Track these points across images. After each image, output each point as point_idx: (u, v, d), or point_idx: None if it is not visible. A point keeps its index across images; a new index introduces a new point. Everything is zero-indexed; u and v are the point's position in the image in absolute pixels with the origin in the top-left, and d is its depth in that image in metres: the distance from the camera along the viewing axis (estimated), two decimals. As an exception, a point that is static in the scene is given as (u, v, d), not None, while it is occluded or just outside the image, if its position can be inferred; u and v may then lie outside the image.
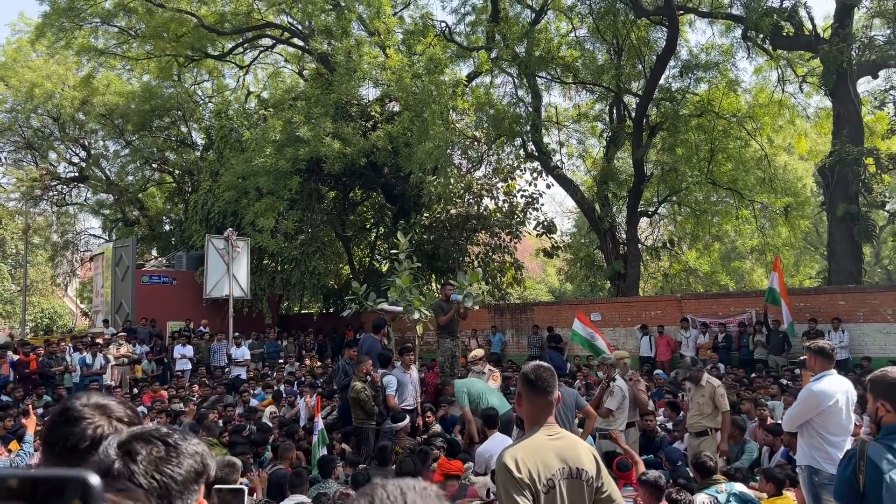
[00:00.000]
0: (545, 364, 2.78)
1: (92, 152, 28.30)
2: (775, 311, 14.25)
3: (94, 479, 0.61)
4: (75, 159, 29.03)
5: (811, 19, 17.62)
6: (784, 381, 11.03)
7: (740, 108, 20.72)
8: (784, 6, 17.31)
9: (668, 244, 24.12)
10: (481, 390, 8.06)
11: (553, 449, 2.58)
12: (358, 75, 18.47)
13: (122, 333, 16.60)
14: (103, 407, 1.59)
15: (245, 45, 24.53)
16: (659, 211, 23.96)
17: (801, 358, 5.20)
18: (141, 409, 10.66)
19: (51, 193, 28.49)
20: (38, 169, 27.97)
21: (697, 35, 53.03)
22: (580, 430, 6.75)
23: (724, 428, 7.10)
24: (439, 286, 16.43)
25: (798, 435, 4.84)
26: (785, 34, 17.44)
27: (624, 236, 21.02)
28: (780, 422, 7.19)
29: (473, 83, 21.67)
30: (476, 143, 21.59)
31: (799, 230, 22.68)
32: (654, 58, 19.58)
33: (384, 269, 22.97)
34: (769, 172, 20.51)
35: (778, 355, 14.05)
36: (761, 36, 17.84)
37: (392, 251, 13.45)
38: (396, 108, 20.06)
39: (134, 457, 1.22)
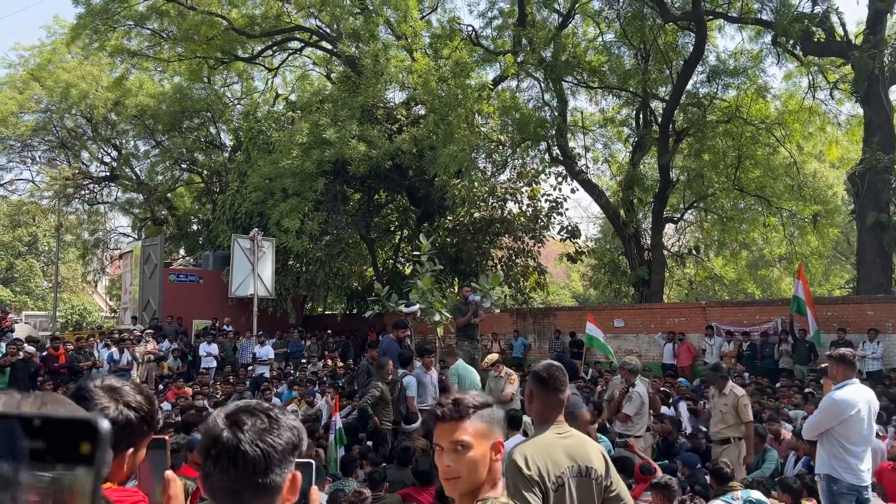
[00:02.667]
0: (557, 363, 2.80)
1: (123, 152, 28.85)
2: (801, 321, 14.05)
3: (104, 424, 0.65)
4: (107, 159, 29.63)
5: (843, 25, 17.36)
6: (809, 391, 10.87)
7: (769, 114, 20.47)
8: (815, 12, 17.08)
9: (693, 251, 23.89)
10: (475, 383, 8.27)
11: (562, 447, 2.60)
12: (384, 78, 18.60)
13: (150, 331, 16.89)
14: (115, 390, 1.62)
15: (274, 48, 24.84)
16: (685, 217, 23.75)
17: (823, 366, 5.14)
18: (165, 405, 10.84)
19: (83, 192, 29.11)
20: (70, 168, 28.60)
21: (726, 40, 52.49)
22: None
23: (748, 438, 7.00)
24: (460, 288, 16.47)
25: (818, 443, 4.79)
26: (816, 40, 17.19)
27: (649, 242, 20.86)
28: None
29: (499, 87, 21.70)
30: (501, 147, 21.61)
31: (828, 239, 22.31)
32: (682, 63, 19.44)
33: (407, 271, 23.07)
34: (798, 180, 20.23)
35: (804, 365, 13.84)
36: (791, 42, 17.62)
37: (415, 253, 13.53)
38: (422, 112, 20.16)
39: (241, 426, 1.31)
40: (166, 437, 1.75)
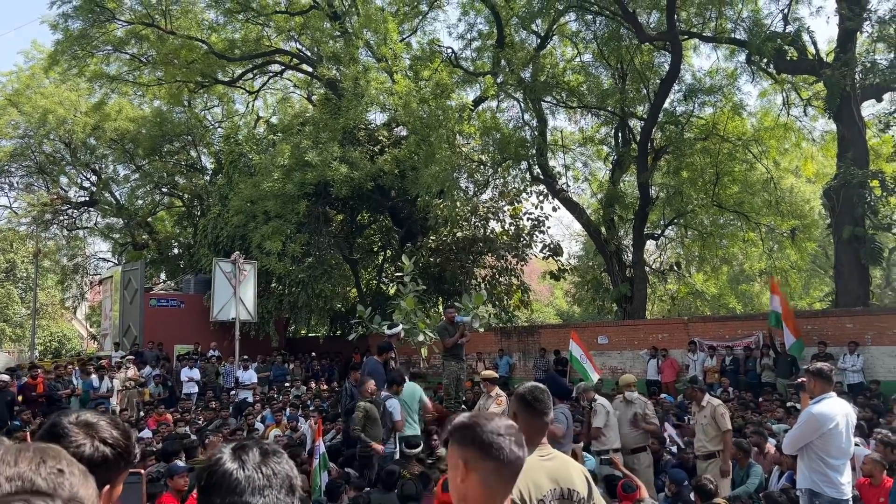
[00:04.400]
0: (541, 385, 2.81)
1: (102, 177, 28.63)
2: (781, 334, 14.18)
3: None
4: (86, 184, 29.38)
5: (814, 43, 17.73)
6: (791, 404, 10.95)
7: (745, 131, 20.80)
8: (787, 31, 17.45)
9: (674, 267, 24.09)
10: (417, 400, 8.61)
11: (545, 469, 2.60)
12: (365, 100, 18.69)
13: (131, 357, 16.67)
14: (91, 426, 1.58)
15: (254, 72, 24.88)
16: (665, 234, 23.97)
17: (800, 380, 5.19)
18: (146, 433, 10.68)
19: (61, 218, 28.81)
20: (49, 193, 28.32)
21: (701, 59, 53.45)
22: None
23: (725, 447, 7.05)
24: (444, 309, 16.45)
25: (798, 458, 4.82)
26: (788, 58, 17.54)
27: (630, 259, 21.01)
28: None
29: (480, 107, 21.88)
30: (482, 167, 21.74)
31: (807, 253, 22.62)
32: (658, 82, 19.74)
33: (391, 291, 23.03)
34: (776, 195, 20.52)
35: (786, 378, 13.94)
36: (765, 60, 17.95)
37: (398, 274, 13.52)
38: (403, 133, 20.27)
39: (246, 452, 1.42)
40: (141, 471, 1.73)
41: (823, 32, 54.42)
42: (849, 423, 4.67)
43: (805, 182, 25.10)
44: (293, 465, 1.47)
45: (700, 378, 7.93)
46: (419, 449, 8.55)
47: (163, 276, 28.46)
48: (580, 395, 7.78)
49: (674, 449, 8.92)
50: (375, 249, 25.73)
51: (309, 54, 22.38)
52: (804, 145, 21.69)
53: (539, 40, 20.99)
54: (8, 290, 36.23)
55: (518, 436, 1.84)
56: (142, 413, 14.02)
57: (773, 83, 20.27)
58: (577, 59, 21.71)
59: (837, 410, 4.66)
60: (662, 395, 13.60)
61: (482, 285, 21.84)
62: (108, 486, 1.55)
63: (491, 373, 9.09)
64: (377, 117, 21.70)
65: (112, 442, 1.59)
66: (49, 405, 13.37)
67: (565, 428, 6.90)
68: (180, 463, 6.79)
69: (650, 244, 24.50)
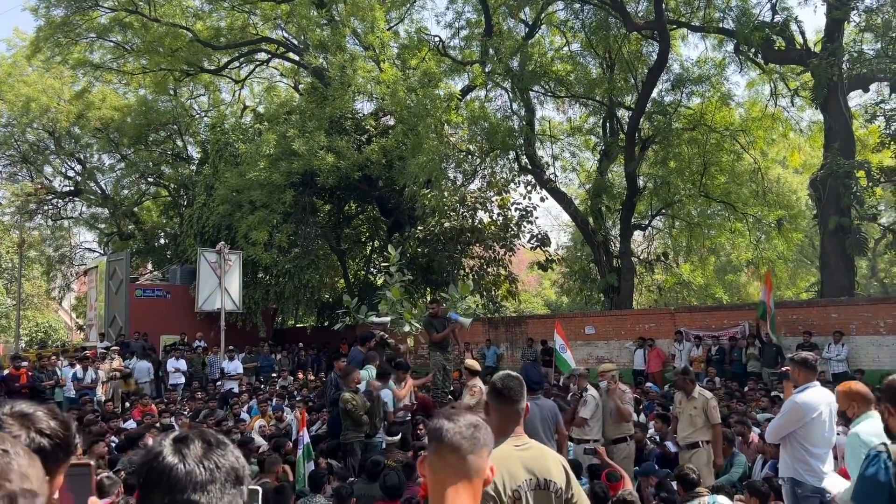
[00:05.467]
0: (513, 374, 2.78)
1: (87, 166, 28.32)
2: (763, 324, 14.26)
3: None
4: (70, 173, 29.06)
5: (802, 33, 17.76)
6: (776, 394, 11.00)
7: (733, 121, 20.84)
8: (775, 20, 17.45)
9: (661, 257, 24.15)
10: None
11: (520, 459, 2.56)
12: (352, 89, 18.55)
13: (115, 347, 16.54)
14: (27, 416, 1.51)
15: (240, 60, 24.64)
16: (653, 224, 24.02)
17: (784, 369, 5.19)
18: (130, 423, 10.60)
19: (46, 207, 28.50)
20: (33, 183, 28.00)
21: (689, 49, 53.50)
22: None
23: (716, 441, 7.04)
24: (428, 303, 16.41)
25: (781, 447, 4.82)
26: (776, 48, 17.56)
27: (618, 249, 21.04)
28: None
29: (467, 97, 21.78)
30: (470, 157, 21.65)
31: (793, 243, 22.72)
32: (646, 71, 19.71)
33: (379, 282, 22.92)
34: (762, 185, 20.60)
35: (771, 368, 14.02)
36: (753, 50, 17.96)
37: (385, 264, 13.45)
38: (391, 122, 20.13)
39: (187, 444, 1.33)
40: (90, 462, 1.66)
41: (811, 22, 54.64)
42: (831, 413, 4.67)
43: (792, 173, 25.21)
44: (239, 455, 1.39)
45: (690, 369, 7.87)
46: (398, 437, 8.53)
47: (149, 266, 28.25)
48: (574, 382, 7.75)
49: (658, 438, 8.93)
50: (363, 240, 25.63)
51: (295, 42, 22.18)
52: (791, 136, 21.76)
53: (527, 29, 20.91)
54: (-8, 281, 35.92)
55: (470, 429, 1.85)
56: (126, 404, 13.94)
57: (760, 73, 20.30)
58: (566, 49, 21.65)
59: (820, 400, 4.65)
60: (648, 385, 13.66)
61: (470, 276, 21.80)
62: (47, 479, 1.49)
63: (473, 363, 9.08)
64: (364, 106, 21.58)
65: (49, 433, 1.51)
66: (33, 396, 13.25)
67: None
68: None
69: (637, 234, 24.56)
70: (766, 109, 20.64)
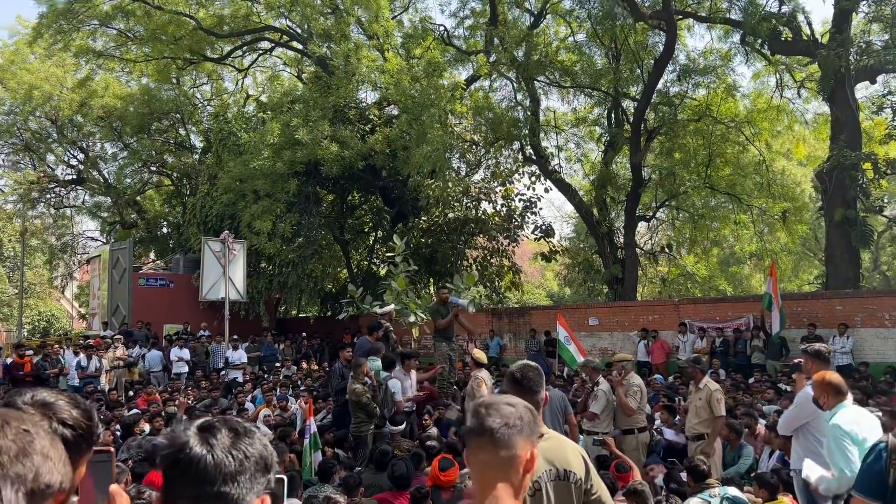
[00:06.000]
0: (532, 363, 2.74)
1: (90, 155, 28.26)
2: (770, 317, 14.22)
3: None
4: (73, 162, 29.00)
5: (809, 24, 17.63)
6: (782, 386, 10.99)
7: (738, 112, 20.73)
8: (782, 11, 17.32)
9: (666, 248, 24.10)
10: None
11: (540, 450, 2.52)
12: (356, 78, 18.46)
13: (119, 336, 16.54)
14: (48, 406, 1.47)
15: (244, 49, 24.52)
16: (657, 215, 23.95)
17: (796, 361, 5.15)
18: (135, 411, 10.60)
19: (48, 196, 28.46)
20: (35, 171, 27.95)
21: (696, 40, 53.18)
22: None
23: (713, 431, 7.03)
24: (437, 290, 16.39)
25: (793, 439, 4.80)
26: (783, 39, 17.44)
27: (622, 240, 20.99)
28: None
29: (472, 87, 21.68)
30: (474, 147, 21.58)
31: (797, 235, 22.66)
32: (653, 62, 19.59)
33: (382, 272, 22.93)
34: (767, 177, 20.51)
35: (776, 360, 14.02)
36: (759, 41, 17.85)
37: (389, 255, 13.42)
38: (395, 112, 20.05)
39: (214, 433, 1.29)
40: (111, 449, 1.62)
41: (819, 13, 54.27)
42: (845, 404, 4.63)
43: (796, 165, 25.12)
44: (267, 443, 1.35)
45: (701, 358, 7.85)
46: (402, 426, 8.52)
47: (151, 255, 28.24)
48: (586, 373, 7.74)
49: (664, 429, 8.91)
50: (366, 230, 25.58)
51: (299, 31, 22.05)
52: (796, 128, 21.67)
53: (532, 19, 20.79)
54: (-6, 269, 35.93)
55: (494, 408, 1.81)
56: (130, 392, 13.95)
57: (766, 64, 20.18)
58: (571, 39, 21.51)
59: (833, 391, 4.62)
60: (655, 377, 13.64)
61: (473, 266, 21.79)
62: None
63: (480, 354, 9.06)
64: (368, 96, 21.49)
65: (72, 423, 1.47)
66: (37, 385, 13.26)
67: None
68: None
69: (642, 226, 24.48)
70: (772, 101, 20.54)
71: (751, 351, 14.63)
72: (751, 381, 12.50)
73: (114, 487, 1.46)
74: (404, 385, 9.02)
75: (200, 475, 1.24)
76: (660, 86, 19.75)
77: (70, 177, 28.82)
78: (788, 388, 10.47)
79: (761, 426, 8.03)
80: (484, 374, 8.48)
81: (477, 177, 22.34)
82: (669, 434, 8.19)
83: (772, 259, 18.56)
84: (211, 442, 1.28)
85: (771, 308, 13.91)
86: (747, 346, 14.78)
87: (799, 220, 21.51)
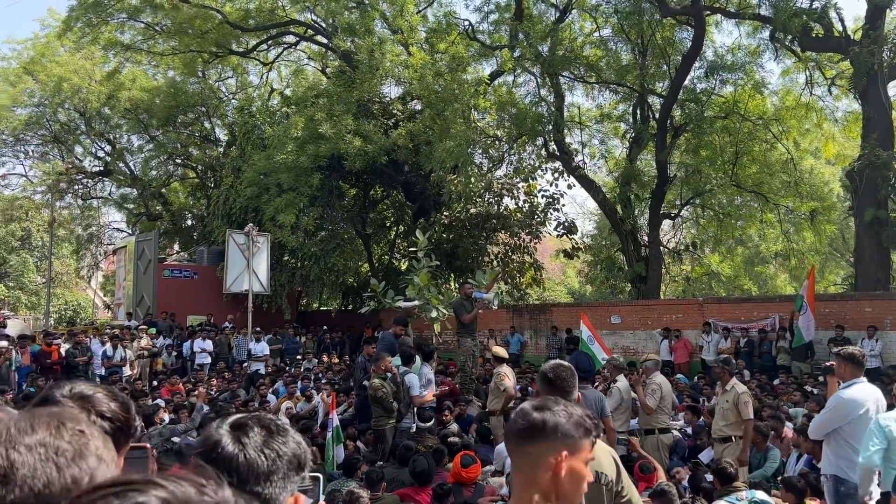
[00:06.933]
0: (565, 363, 2.71)
1: (117, 147, 28.62)
2: (799, 319, 13.98)
3: None
4: (100, 153, 29.42)
5: (841, 20, 17.28)
6: (808, 388, 10.83)
7: (766, 110, 20.42)
8: (814, 7, 17.00)
9: (690, 247, 23.85)
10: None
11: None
12: (380, 73, 18.46)
13: (143, 326, 16.74)
14: (87, 398, 1.48)
15: (269, 43, 24.66)
16: (682, 213, 23.69)
17: (828, 364, 5.05)
18: (159, 401, 10.72)
19: (76, 187, 28.90)
20: (64, 162, 28.36)
21: (724, 36, 52.47)
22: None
23: (745, 436, 6.92)
24: (458, 285, 16.38)
25: (824, 443, 4.71)
26: (814, 35, 17.12)
27: (646, 238, 20.80)
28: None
29: (496, 82, 21.57)
30: (497, 143, 21.49)
31: (825, 235, 22.29)
32: (680, 58, 19.35)
33: (403, 267, 22.96)
34: (795, 176, 20.20)
35: (802, 362, 13.81)
36: (790, 37, 17.53)
37: (411, 249, 13.42)
38: (418, 107, 20.04)
39: (246, 432, 1.28)
40: (147, 446, 1.62)
41: (851, 9, 52.96)
42: (879, 409, 4.54)
43: (825, 163, 24.71)
44: (300, 440, 1.34)
45: (731, 359, 7.74)
46: (432, 422, 8.52)
47: (176, 246, 28.55)
48: (608, 370, 7.72)
49: (689, 430, 8.82)
50: (388, 224, 25.62)
51: (324, 25, 22.11)
52: (826, 126, 21.27)
53: (558, 13, 20.61)
54: (24, 259, 36.53)
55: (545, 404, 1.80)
56: (154, 382, 14.11)
57: (796, 61, 19.83)
58: (597, 34, 21.29)
59: (867, 396, 4.53)
60: (678, 376, 13.51)
61: (495, 262, 21.72)
62: None
63: (500, 350, 9.05)
64: (392, 90, 21.49)
65: (110, 415, 1.47)
66: (68, 372, 13.46)
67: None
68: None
69: (666, 224, 24.24)
70: (801, 98, 20.19)
71: (776, 352, 14.43)
72: (776, 382, 12.34)
73: None
74: (429, 378, 9.03)
75: (232, 474, 1.23)
76: (687, 82, 19.50)
77: (97, 168, 29.23)
78: (815, 391, 10.31)
79: (788, 429, 7.90)
80: (506, 369, 8.49)
81: (499, 172, 22.26)
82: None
83: (802, 262, 18.27)
84: (243, 441, 1.27)
85: (802, 311, 13.66)
86: (773, 347, 14.58)
87: (827, 219, 21.15)
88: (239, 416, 1.34)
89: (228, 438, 1.28)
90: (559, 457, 1.69)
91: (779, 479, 6.28)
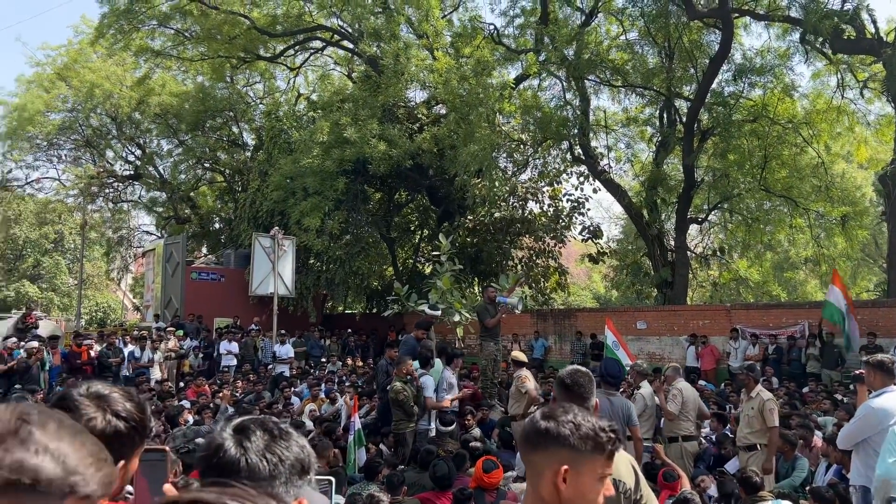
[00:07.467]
0: (583, 369, 2.69)
1: (147, 151, 29.10)
2: (830, 325, 13.69)
3: None
4: (131, 158, 29.91)
5: (874, 22, 16.97)
6: (838, 396, 10.60)
7: (796, 113, 20.09)
8: (845, 8, 16.71)
9: (718, 252, 23.54)
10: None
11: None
12: (405, 78, 18.53)
13: (171, 328, 16.95)
14: (103, 398, 1.50)
15: (296, 48, 24.90)
16: (709, 218, 23.41)
17: (858, 372, 4.95)
18: (184, 402, 10.84)
19: (107, 190, 29.41)
20: (95, 166, 28.89)
21: (752, 38, 51.85)
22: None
23: (770, 444, 6.80)
24: (481, 289, 16.34)
25: (853, 453, 4.60)
26: (846, 37, 16.83)
27: (672, 243, 20.58)
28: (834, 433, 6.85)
29: (521, 86, 21.54)
30: (522, 146, 21.45)
31: (856, 241, 21.85)
32: (707, 61, 19.15)
33: (427, 270, 22.99)
34: (826, 180, 19.84)
35: (832, 370, 13.54)
36: (820, 39, 17.25)
37: (434, 253, 13.43)
38: (443, 111, 20.08)
39: (248, 436, 1.28)
40: (166, 448, 1.64)
41: (884, 10, 51.89)
42: (910, 419, 4.43)
43: (857, 168, 24.24)
44: (304, 444, 1.34)
45: (756, 366, 7.63)
46: (453, 426, 8.50)
47: (204, 249, 28.91)
48: (632, 376, 7.66)
49: (714, 437, 8.69)
50: (412, 228, 25.69)
51: (350, 31, 22.27)
52: (858, 129, 20.87)
53: (584, 17, 20.51)
54: (56, 261, 37.29)
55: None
56: (181, 384, 14.28)
57: (827, 64, 19.50)
58: (623, 37, 21.15)
59: (898, 405, 4.42)
60: (701, 382, 13.34)
61: (519, 266, 21.66)
62: (122, 462, 1.47)
63: (519, 354, 9.03)
64: (417, 95, 21.56)
65: (126, 415, 1.50)
66: (99, 373, 13.69)
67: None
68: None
69: (693, 228, 23.95)
70: (832, 102, 19.84)
71: (806, 359, 14.16)
72: (805, 390, 12.10)
73: (167, 487, 1.47)
74: (451, 382, 9.02)
75: (234, 478, 1.23)
76: (714, 85, 19.28)
77: (127, 172, 29.73)
78: (845, 399, 10.10)
79: (817, 438, 7.75)
80: (526, 372, 8.46)
81: (524, 176, 22.23)
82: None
83: (834, 268, 17.91)
84: (245, 445, 1.27)
85: (835, 320, 13.36)
86: (802, 354, 14.31)
87: (859, 224, 20.73)
88: (243, 419, 1.34)
89: (231, 442, 1.28)
90: (559, 470, 1.60)
91: (807, 489, 6.16)
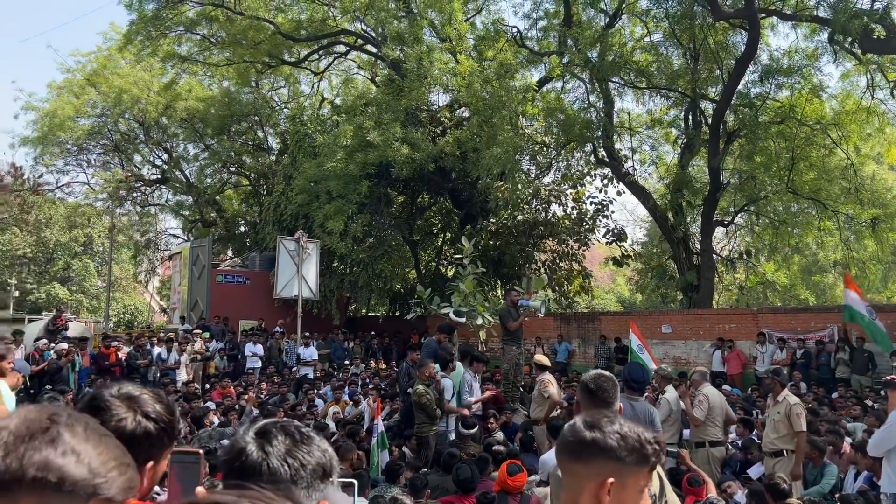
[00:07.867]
0: (606, 373, 2.67)
1: (173, 155, 29.51)
2: (855, 328, 13.45)
3: None
4: (158, 162, 30.36)
5: (905, 21, 16.65)
6: (868, 402, 10.41)
7: (824, 114, 19.78)
8: (875, 8, 16.42)
9: (744, 255, 23.25)
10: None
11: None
12: (428, 81, 18.56)
13: (198, 331, 17.16)
14: (133, 399, 1.53)
15: (320, 52, 25.09)
16: (735, 221, 23.13)
17: (889, 378, 4.86)
18: (209, 404, 10.97)
19: (135, 194, 29.86)
20: (123, 171, 29.37)
21: (779, 39, 51.21)
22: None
23: (798, 450, 6.69)
24: (504, 292, 16.31)
25: (884, 460, 4.52)
26: (875, 37, 16.53)
27: (698, 246, 20.36)
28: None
29: (544, 88, 21.47)
30: (545, 149, 21.37)
31: (887, 244, 21.44)
32: (733, 62, 18.94)
33: (450, 273, 23.00)
34: (855, 182, 19.50)
35: (862, 375, 13.30)
36: (849, 39, 16.97)
37: (457, 256, 13.43)
38: (466, 114, 20.09)
39: (270, 440, 1.29)
40: (199, 451, 1.66)
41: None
42: (942, 426, 4.34)
43: (888, 169, 23.78)
44: (327, 447, 1.33)
45: (782, 370, 7.52)
46: (475, 429, 8.50)
47: (229, 252, 29.22)
48: (656, 380, 7.60)
49: (740, 443, 8.58)
50: (435, 231, 25.71)
51: (373, 35, 22.39)
52: (888, 130, 20.50)
53: (607, 19, 20.41)
54: (85, 264, 37.92)
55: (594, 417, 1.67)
56: (206, 385, 14.44)
57: (856, 64, 19.17)
58: (647, 39, 21.01)
59: (930, 412, 4.33)
60: (727, 387, 13.17)
61: (542, 270, 21.57)
62: (151, 463, 1.49)
63: (542, 358, 9.00)
64: (440, 98, 21.59)
65: (155, 416, 1.52)
66: (128, 374, 13.89)
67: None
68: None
69: (719, 231, 23.68)
70: (861, 102, 19.50)
71: (835, 364, 13.93)
72: (834, 396, 11.90)
73: (199, 489, 1.49)
74: (473, 385, 9.02)
75: (255, 481, 1.24)
76: (740, 87, 19.07)
77: (155, 176, 30.17)
78: (875, 405, 9.91)
79: (847, 444, 7.61)
80: (549, 376, 8.43)
81: (547, 179, 22.14)
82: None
83: (846, 272, 17.60)
84: (266, 449, 1.28)
85: (855, 320, 13.14)
86: (831, 358, 14.07)
87: (890, 227, 20.34)
88: (265, 422, 1.35)
89: (254, 446, 1.29)
90: (604, 483, 1.54)
91: (836, 496, 6.06)
